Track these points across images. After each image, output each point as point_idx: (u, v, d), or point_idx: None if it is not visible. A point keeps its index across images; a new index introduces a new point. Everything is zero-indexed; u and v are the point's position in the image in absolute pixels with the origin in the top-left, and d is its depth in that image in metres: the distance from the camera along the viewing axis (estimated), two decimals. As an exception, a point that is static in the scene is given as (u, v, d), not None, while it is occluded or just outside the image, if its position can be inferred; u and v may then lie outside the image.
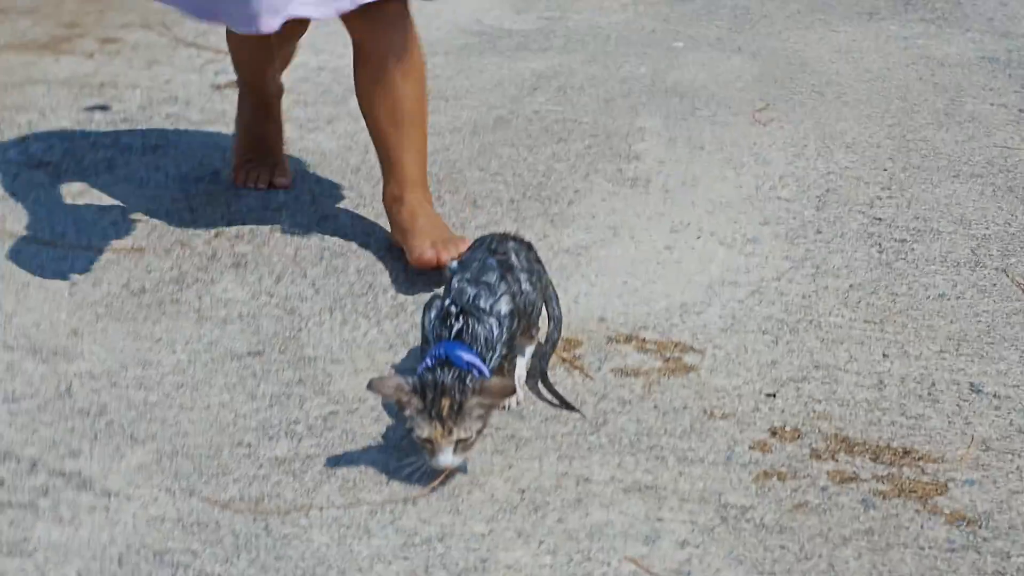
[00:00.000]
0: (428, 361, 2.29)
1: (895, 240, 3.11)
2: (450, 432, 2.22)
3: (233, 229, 3.11)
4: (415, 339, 2.63)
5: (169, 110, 3.81)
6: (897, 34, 4.58)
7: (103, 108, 3.81)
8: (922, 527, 2.20)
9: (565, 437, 2.42)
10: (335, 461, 2.35)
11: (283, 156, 3.31)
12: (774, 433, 2.43)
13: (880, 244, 3.09)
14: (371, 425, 2.44)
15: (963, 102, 3.95)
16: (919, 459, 2.36)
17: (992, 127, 3.73)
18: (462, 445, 2.24)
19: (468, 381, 2.24)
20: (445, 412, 2.22)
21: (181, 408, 2.49)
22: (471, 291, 2.38)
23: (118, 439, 2.41)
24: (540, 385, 2.51)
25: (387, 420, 2.45)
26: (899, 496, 2.27)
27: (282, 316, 2.78)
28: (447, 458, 2.24)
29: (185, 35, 4.43)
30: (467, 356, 2.29)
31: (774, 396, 2.53)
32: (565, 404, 2.48)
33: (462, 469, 2.32)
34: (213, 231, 3.12)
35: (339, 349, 2.67)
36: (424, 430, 2.22)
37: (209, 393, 2.53)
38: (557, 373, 2.59)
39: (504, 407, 2.46)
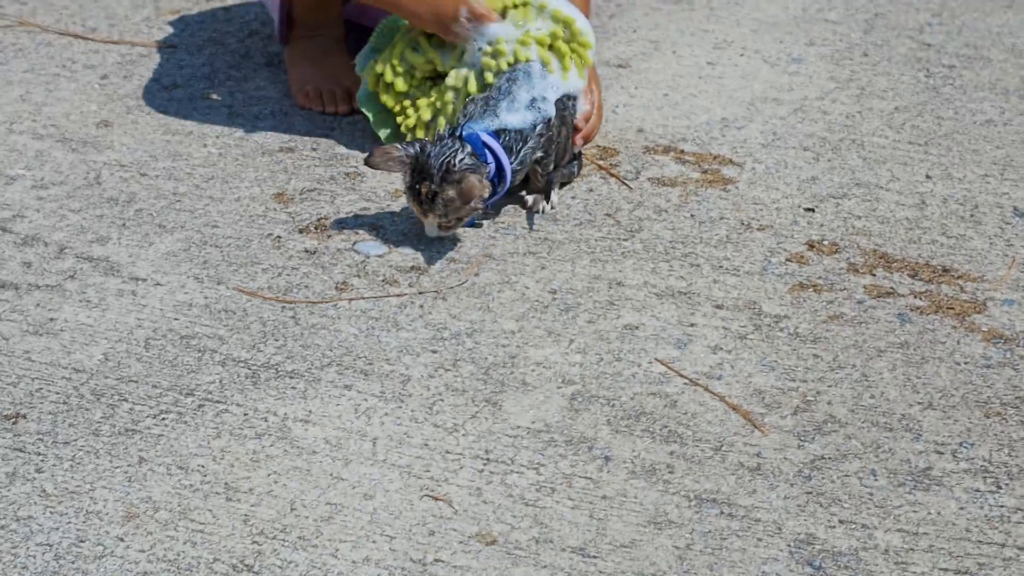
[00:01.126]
0: (442, 131, 2.28)
1: (943, 66, 3.04)
2: (426, 215, 2.28)
3: (267, 29, 3.05)
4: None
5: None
6: None
7: None
8: (958, 343, 2.17)
9: (599, 242, 2.38)
10: (365, 254, 2.32)
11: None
12: (811, 246, 2.38)
13: (928, 69, 3.02)
14: (402, 222, 2.40)
15: (1019, -67, 3.83)
16: (958, 278, 2.32)
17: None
18: (444, 224, 2.28)
19: (450, 170, 2.24)
20: (423, 195, 2.26)
21: (211, 199, 2.46)
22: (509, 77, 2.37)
23: (146, 227, 2.38)
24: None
25: (417, 219, 2.41)
26: (936, 312, 2.23)
27: (314, 115, 2.73)
28: (430, 230, 2.32)
29: None
30: (488, 139, 2.26)
31: (813, 211, 2.48)
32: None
33: (479, 222, 2.36)
34: (247, 30, 3.06)
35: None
36: (409, 203, 2.30)
37: (239, 186, 2.50)
38: (592, 180, 2.54)
39: (538, 210, 2.42)
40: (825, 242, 2.40)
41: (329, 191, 2.49)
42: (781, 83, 2.93)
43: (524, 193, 2.44)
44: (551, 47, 2.43)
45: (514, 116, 2.34)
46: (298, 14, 2.80)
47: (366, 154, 2.35)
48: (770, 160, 2.64)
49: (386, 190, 2.50)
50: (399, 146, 2.30)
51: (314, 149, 2.62)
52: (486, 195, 2.28)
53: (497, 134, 2.31)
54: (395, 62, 2.50)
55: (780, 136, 2.72)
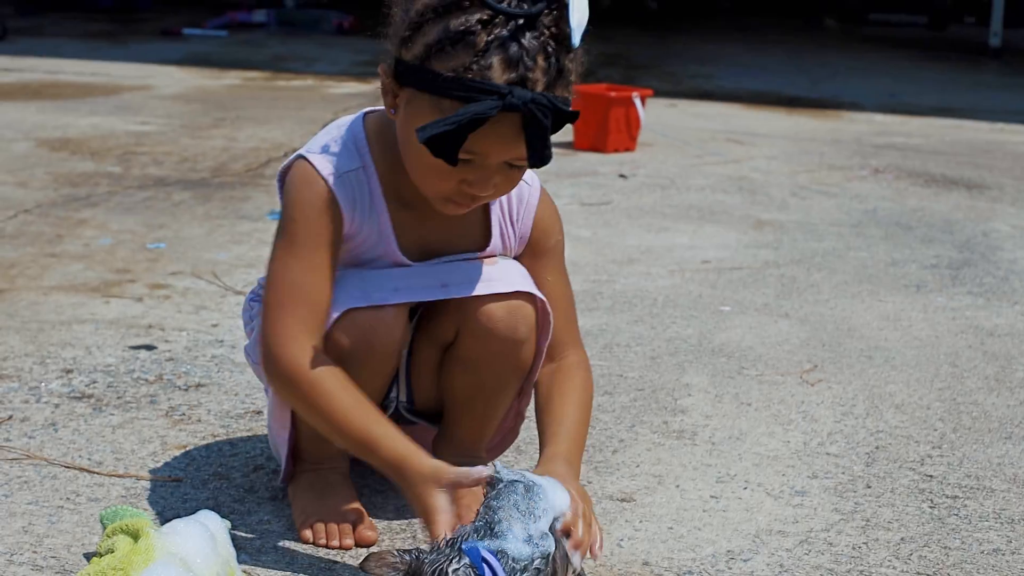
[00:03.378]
0: (436, 542, 2.24)
1: (947, 496, 3.04)
2: None
3: (272, 463, 3.07)
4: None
5: (215, 352, 3.81)
6: (945, 305, 4.58)
7: (149, 348, 3.81)
8: None
9: (606, 676, 2.32)
10: None
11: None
12: None
13: (932, 500, 3.02)
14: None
15: (1014, 369, 3.91)
16: None
17: (1044, 393, 3.68)
18: None
19: None
20: None
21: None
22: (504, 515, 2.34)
23: (143, 662, 2.33)
24: None
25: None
26: None
27: (317, 549, 2.71)
28: None
29: (234, 284, 4.46)
30: (488, 556, 2.23)
31: (824, 643, 2.43)
32: None
33: None
34: (252, 465, 3.08)
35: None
36: None
37: (239, 619, 2.46)
38: (599, 613, 2.50)
39: None
40: (838, 675, 2.34)
41: (330, 624, 2.45)
42: (785, 515, 2.92)
43: None
44: None
45: (513, 545, 2.32)
46: (303, 447, 2.83)
47: (362, 558, 2.32)
48: (778, 592, 2.61)
49: (388, 623, 2.45)
50: (395, 551, 2.26)
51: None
52: None
53: (497, 555, 2.29)
54: None
55: (787, 568, 2.70)
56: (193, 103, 8.34)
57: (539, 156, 2.47)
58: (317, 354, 2.60)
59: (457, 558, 2.24)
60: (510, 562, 2.30)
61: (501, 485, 2.39)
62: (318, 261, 2.64)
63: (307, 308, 2.63)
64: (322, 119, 7.95)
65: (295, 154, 2.72)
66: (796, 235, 5.57)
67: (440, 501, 2.48)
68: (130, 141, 6.94)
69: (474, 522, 2.36)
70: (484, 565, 2.27)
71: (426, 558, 2.24)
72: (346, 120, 2.76)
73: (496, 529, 2.32)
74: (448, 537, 2.33)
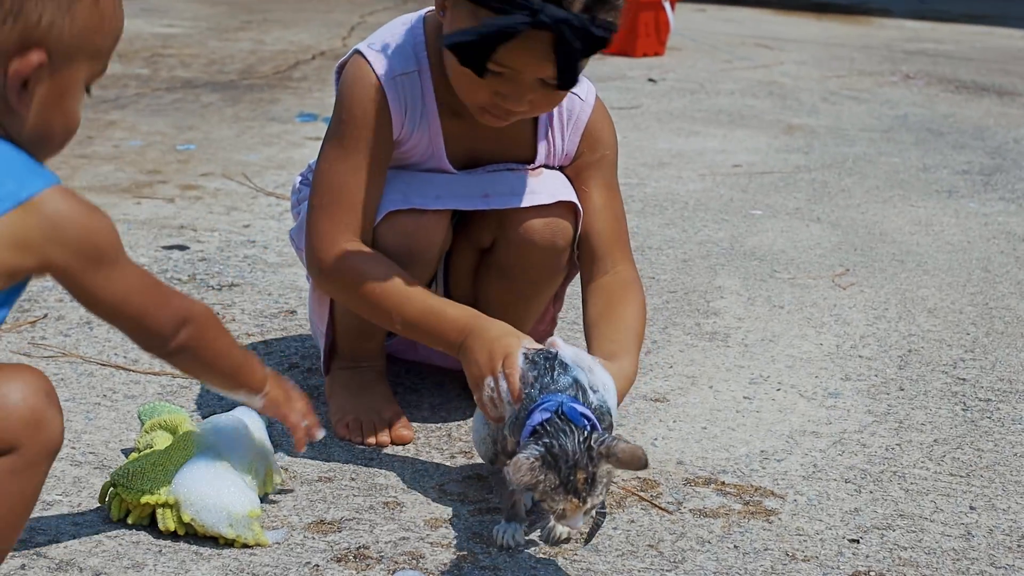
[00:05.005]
0: (537, 416, 2.23)
1: (980, 399, 3.04)
2: (584, 502, 2.16)
3: (307, 362, 3.08)
4: (486, 470, 2.58)
5: (247, 252, 3.82)
6: (977, 211, 4.56)
7: (182, 248, 3.82)
8: (1016, 676, 2.10)
9: (642, 572, 2.34)
10: (405, 584, 2.28)
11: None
12: (859, 577, 2.34)
13: (965, 403, 3.02)
14: (441, 552, 2.37)
15: (1046, 274, 3.90)
16: (1011, 609, 2.27)
17: (1077, 298, 3.67)
18: (592, 509, 2.19)
19: (595, 445, 2.17)
20: (580, 486, 2.15)
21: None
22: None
23: (183, 554, 2.35)
24: None
25: (458, 545, 2.38)
26: (991, 645, 2.18)
27: (353, 446, 2.73)
28: (579, 522, 2.19)
29: (265, 184, 4.46)
30: (581, 409, 2.23)
31: (858, 542, 2.45)
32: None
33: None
34: (287, 363, 3.09)
35: (411, 478, 2.61)
36: (559, 503, 2.16)
37: (277, 516, 2.48)
38: (633, 511, 2.52)
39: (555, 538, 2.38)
40: (872, 573, 2.35)
41: (368, 520, 2.47)
42: (819, 417, 2.93)
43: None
44: None
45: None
46: (340, 345, 2.84)
47: (400, 483, 2.33)
48: (811, 492, 2.62)
49: (425, 519, 2.47)
50: (524, 457, 2.18)
51: (353, 479, 2.61)
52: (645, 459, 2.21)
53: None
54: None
55: (821, 468, 2.70)
56: (219, 5, 8.30)
57: (568, 77, 2.45)
58: (362, 247, 2.60)
59: (568, 432, 2.20)
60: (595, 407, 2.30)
61: (557, 360, 2.38)
62: (366, 162, 2.63)
63: (351, 210, 2.63)
64: (349, 22, 7.92)
65: (353, 48, 2.70)
66: (827, 140, 5.55)
67: (518, 342, 2.47)
68: (157, 43, 6.92)
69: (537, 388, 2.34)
70: (584, 421, 2.25)
71: (555, 443, 2.19)
72: (409, 18, 2.72)
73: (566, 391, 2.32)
74: (535, 407, 2.27)
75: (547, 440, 2.20)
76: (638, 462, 2.19)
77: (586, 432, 2.21)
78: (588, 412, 2.27)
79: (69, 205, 1.92)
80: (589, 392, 2.34)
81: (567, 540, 2.37)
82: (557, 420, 2.23)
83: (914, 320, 3.51)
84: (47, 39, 1.92)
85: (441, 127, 2.67)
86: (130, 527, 2.41)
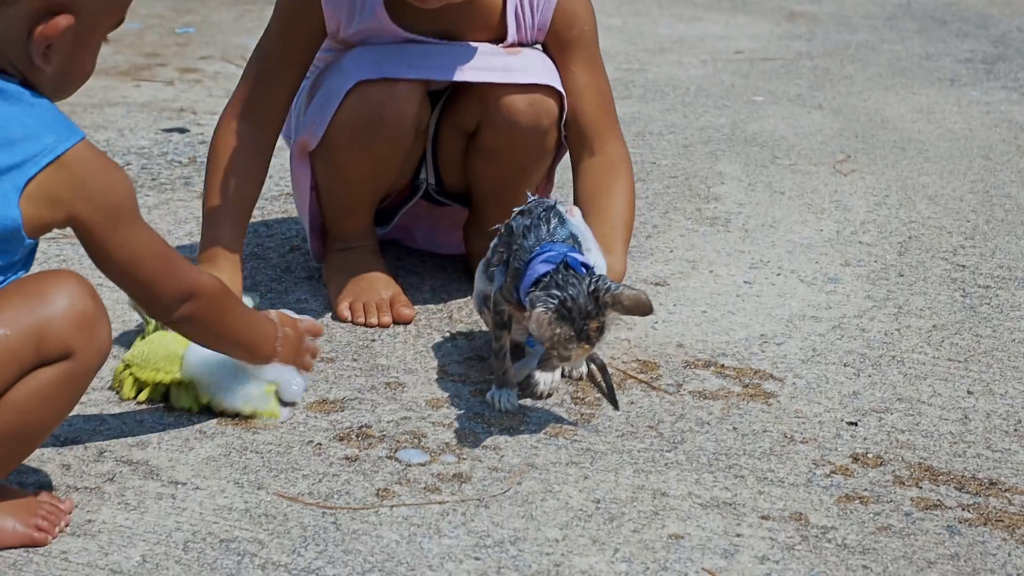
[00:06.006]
0: (540, 268, 2.25)
1: (979, 286, 3.05)
2: (592, 347, 2.27)
3: (308, 245, 3.08)
4: (488, 352, 2.59)
5: (247, 135, 3.80)
6: (979, 99, 4.54)
7: (181, 131, 3.81)
8: (1010, 555, 2.13)
9: (642, 452, 2.36)
10: (406, 462, 2.30)
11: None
12: (856, 459, 2.36)
13: (964, 289, 3.03)
14: (443, 432, 2.39)
15: (1048, 162, 3.89)
16: (1006, 490, 2.29)
17: (1078, 186, 3.68)
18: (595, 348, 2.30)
19: (602, 294, 2.24)
20: (592, 334, 2.24)
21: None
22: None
23: (187, 432, 2.37)
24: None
25: (459, 425, 2.40)
26: (985, 525, 2.20)
27: (354, 327, 2.74)
28: (581, 364, 2.38)
29: (265, 68, 4.43)
30: (582, 259, 2.29)
31: (856, 424, 2.46)
32: (610, 396, 2.47)
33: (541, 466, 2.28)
34: (288, 246, 3.09)
35: (412, 359, 2.63)
36: (571, 352, 2.26)
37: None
38: (633, 393, 2.53)
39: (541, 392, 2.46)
40: (870, 455, 2.38)
41: (370, 400, 2.48)
42: (818, 302, 2.94)
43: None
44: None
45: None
46: (329, 227, 2.84)
47: (403, 364, 2.34)
48: (810, 375, 2.63)
49: (427, 399, 2.49)
50: (542, 310, 2.24)
51: (355, 360, 2.62)
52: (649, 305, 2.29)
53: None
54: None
55: (820, 352, 2.72)
56: None
57: None
58: (239, 130, 2.67)
59: (574, 283, 2.25)
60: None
61: (539, 210, 2.40)
62: (285, 52, 2.68)
63: (257, 90, 2.69)
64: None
65: None
66: (829, 27, 5.51)
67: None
68: (154, -75, 6.84)
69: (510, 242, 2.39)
70: (583, 268, 2.30)
71: (567, 294, 2.23)
72: None
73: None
74: (550, 267, 2.31)
75: (558, 293, 2.24)
76: (643, 308, 2.27)
77: (592, 282, 2.25)
78: (588, 261, 2.31)
79: (95, 162, 1.99)
80: (586, 252, 2.38)
81: (550, 395, 2.45)
82: (563, 272, 2.26)
83: (914, 207, 3.51)
84: (75, 2, 1.93)
85: (387, 13, 2.65)
86: (134, 407, 2.42)
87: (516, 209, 2.44)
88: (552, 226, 2.36)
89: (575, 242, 2.37)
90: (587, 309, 2.24)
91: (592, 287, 2.25)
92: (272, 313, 2.36)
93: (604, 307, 2.25)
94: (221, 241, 2.62)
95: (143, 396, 2.44)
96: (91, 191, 1.97)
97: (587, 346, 2.26)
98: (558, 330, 2.24)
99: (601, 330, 2.26)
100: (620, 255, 2.62)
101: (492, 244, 2.47)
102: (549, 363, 2.41)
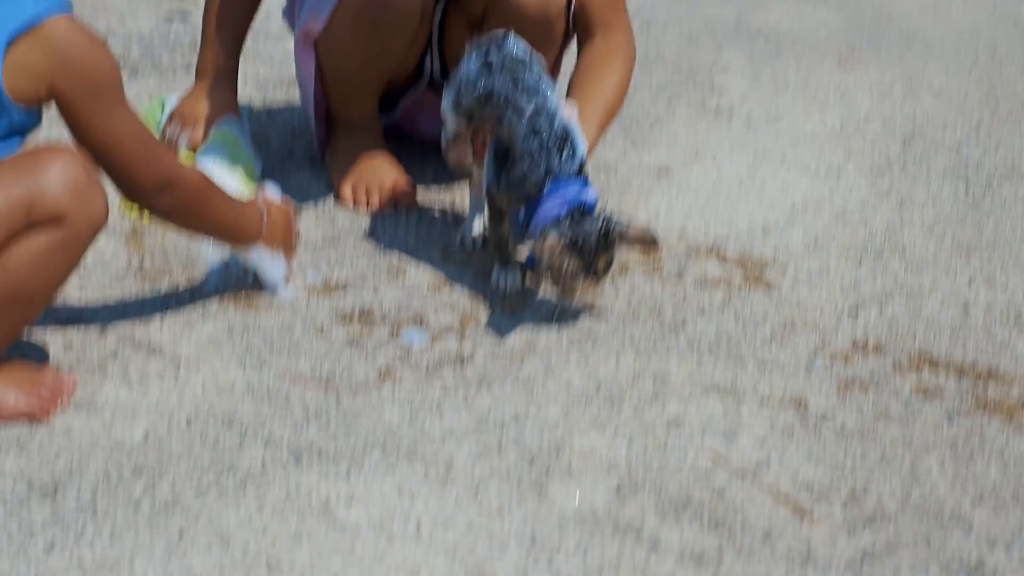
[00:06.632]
0: (560, 210, 2.27)
1: (982, 180, 3.04)
2: (598, 283, 2.31)
3: (311, 131, 3.07)
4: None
5: (249, 21, 3.77)
6: (986, -4, 4.50)
7: (183, 16, 3.77)
8: (1007, 442, 2.14)
9: (643, 337, 2.37)
10: (408, 343, 2.31)
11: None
12: (856, 346, 2.37)
13: (967, 182, 3.02)
14: (446, 314, 2.40)
15: (1054, 59, 3.87)
16: (1005, 380, 2.30)
17: (1084, 82, 3.65)
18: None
19: (614, 230, 2.27)
20: (601, 269, 2.28)
21: (254, 287, 2.45)
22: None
23: (189, 312, 2.37)
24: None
25: (461, 307, 2.40)
26: (983, 412, 2.21)
27: (356, 212, 2.74)
28: (586, 298, 2.37)
29: (267, -46, 4.38)
30: (594, 195, 2.31)
31: (857, 313, 2.47)
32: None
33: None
34: (291, 133, 3.08)
35: (415, 243, 2.63)
36: (576, 285, 2.29)
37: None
38: (635, 278, 2.54)
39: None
40: (870, 342, 2.38)
41: (372, 283, 2.49)
42: (821, 192, 2.93)
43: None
44: None
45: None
46: (333, 112, 2.82)
47: (406, 247, 2.34)
48: (812, 264, 2.63)
49: (429, 282, 2.49)
50: (555, 238, 2.27)
51: (357, 243, 2.62)
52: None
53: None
54: None
55: (821, 242, 2.72)
56: None
57: None
58: None
59: (587, 220, 2.28)
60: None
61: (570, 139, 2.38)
62: None
63: None
64: None
65: None
66: (836, -78, 5.45)
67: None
68: None
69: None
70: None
71: (578, 230, 2.27)
72: None
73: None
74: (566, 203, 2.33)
75: (571, 230, 2.27)
76: (649, 242, 2.31)
77: (604, 221, 2.27)
78: (596, 195, 2.31)
79: (77, 36, 1.98)
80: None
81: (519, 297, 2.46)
82: (576, 212, 2.26)
83: (919, 101, 3.50)
84: None
85: None
86: (137, 287, 2.43)
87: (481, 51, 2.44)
88: (564, 156, 2.33)
89: (582, 168, 2.36)
90: (598, 245, 2.27)
91: (603, 226, 2.27)
92: (259, 200, 2.34)
93: (613, 244, 2.28)
94: (216, 58, 2.81)
95: (146, 219, 2.54)
96: (72, 66, 1.96)
97: (593, 282, 2.29)
98: (568, 262, 2.26)
99: (609, 265, 2.29)
100: (591, 136, 2.59)
101: (460, 76, 2.45)
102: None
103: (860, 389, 2.26)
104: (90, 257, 2.50)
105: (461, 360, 2.27)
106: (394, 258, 2.57)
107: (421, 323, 2.37)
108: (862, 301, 2.51)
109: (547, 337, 2.35)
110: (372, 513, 1.92)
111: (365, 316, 2.38)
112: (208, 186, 2.18)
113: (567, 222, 2.27)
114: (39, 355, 2.22)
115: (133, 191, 2.10)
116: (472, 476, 2.01)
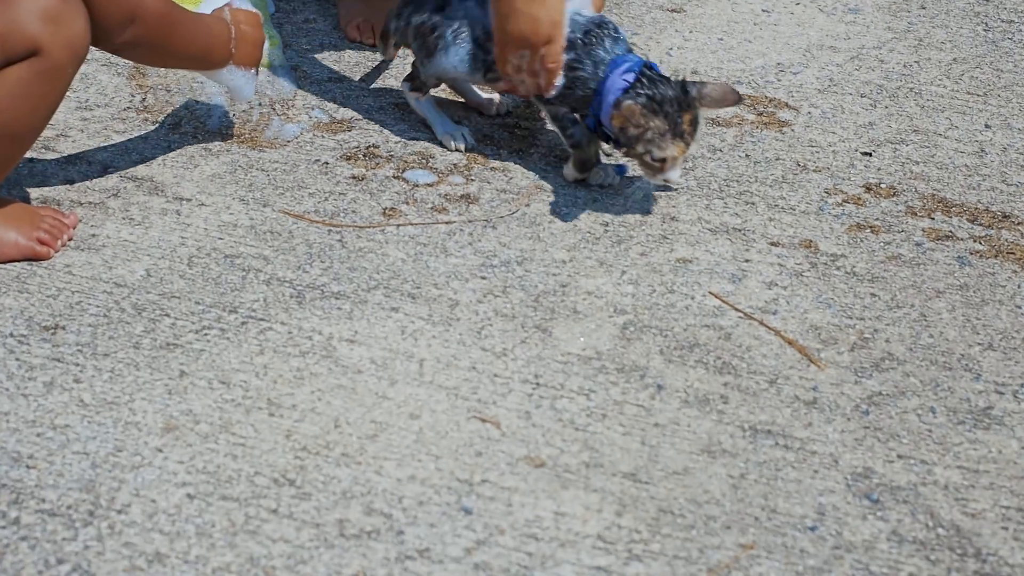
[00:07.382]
0: (628, 77, 2.15)
1: (1002, 21, 2.98)
2: (688, 147, 2.13)
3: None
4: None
5: None
6: None
7: None
8: (1019, 287, 2.12)
9: (652, 178, 2.33)
10: (413, 183, 2.27)
11: None
12: (869, 189, 2.33)
13: (987, 23, 2.96)
14: (452, 154, 2.36)
15: None
16: (1018, 224, 2.26)
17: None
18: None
19: (691, 90, 2.13)
20: (687, 128, 2.12)
21: (258, 125, 2.41)
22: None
23: (192, 150, 2.34)
24: None
25: (468, 146, 2.37)
26: (996, 257, 2.18)
27: (363, 48, 2.69)
28: (678, 173, 2.16)
29: None
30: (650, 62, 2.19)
31: (870, 155, 2.43)
32: None
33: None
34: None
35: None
36: (668, 150, 2.12)
37: (286, 113, 2.45)
38: (646, 118, 2.49)
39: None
40: (883, 185, 2.34)
41: (378, 121, 2.45)
42: (837, 32, 2.87)
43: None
44: None
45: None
46: None
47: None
48: (826, 105, 2.58)
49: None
50: (631, 102, 2.14)
51: (363, 81, 2.57)
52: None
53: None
54: None
55: (836, 82, 2.66)
56: None
57: None
58: None
59: (659, 82, 2.15)
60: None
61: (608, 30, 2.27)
62: None
63: None
64: None
65: None
66: None
67: None
68: None
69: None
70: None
71: (655, 92, 2.12)
72: None
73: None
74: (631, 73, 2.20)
75: (646, 91, 2.13)
76: (730, 99, 2.15)
77: (678, 81, 2.15)
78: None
79: None
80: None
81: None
82: (646, 74, 2.16)
83: (940, -61, 3.41)
84: None
85: None
86: (138, 120, 2.39)
87: None
88: (607, 45, 2.23)
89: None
90: (679, 103, 2.12)
91: (680, 85, 2.13)
92: (226, 10, 2.26)
93: (694, 102, 2.13)
94: None
95: None
96: None
97: (682, 144, 2.13)
98: (652, 123, 2.12)
99: (695, 124, 2.14)
100: None
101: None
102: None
103: (871, 231, 2.22)
104: (92, 93, 2.46)
105: (467, 199, 2.24)
106: (401, 97, 2.52)
107: (427, 162, 2.33)
108: (876, 143, 2.46)
109: (555, 177, 2.31)
110: (374, 353, 1.91)
111: (370, 154, 2.35)
112: (171, 10, 2.10)
113: (639, 86, 2.15)
114: (40, 193, 2.19)
115: (97, 31, 2.02)
116: (476, 317, 1.99)
